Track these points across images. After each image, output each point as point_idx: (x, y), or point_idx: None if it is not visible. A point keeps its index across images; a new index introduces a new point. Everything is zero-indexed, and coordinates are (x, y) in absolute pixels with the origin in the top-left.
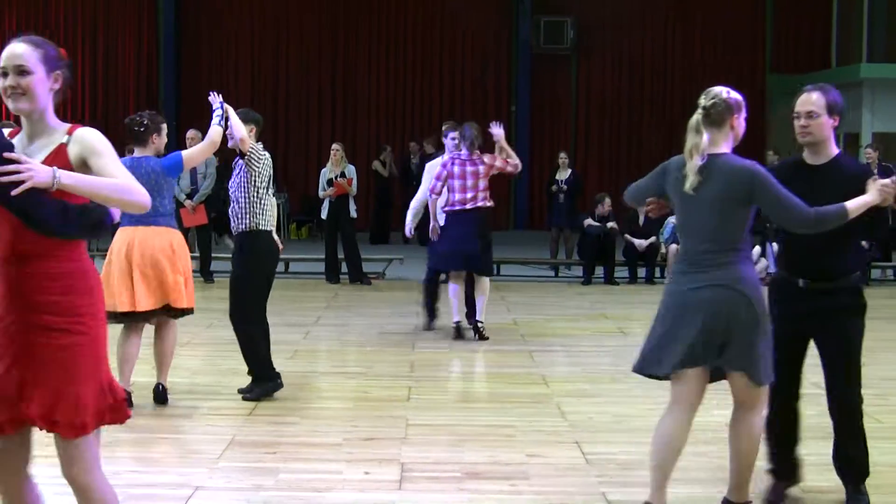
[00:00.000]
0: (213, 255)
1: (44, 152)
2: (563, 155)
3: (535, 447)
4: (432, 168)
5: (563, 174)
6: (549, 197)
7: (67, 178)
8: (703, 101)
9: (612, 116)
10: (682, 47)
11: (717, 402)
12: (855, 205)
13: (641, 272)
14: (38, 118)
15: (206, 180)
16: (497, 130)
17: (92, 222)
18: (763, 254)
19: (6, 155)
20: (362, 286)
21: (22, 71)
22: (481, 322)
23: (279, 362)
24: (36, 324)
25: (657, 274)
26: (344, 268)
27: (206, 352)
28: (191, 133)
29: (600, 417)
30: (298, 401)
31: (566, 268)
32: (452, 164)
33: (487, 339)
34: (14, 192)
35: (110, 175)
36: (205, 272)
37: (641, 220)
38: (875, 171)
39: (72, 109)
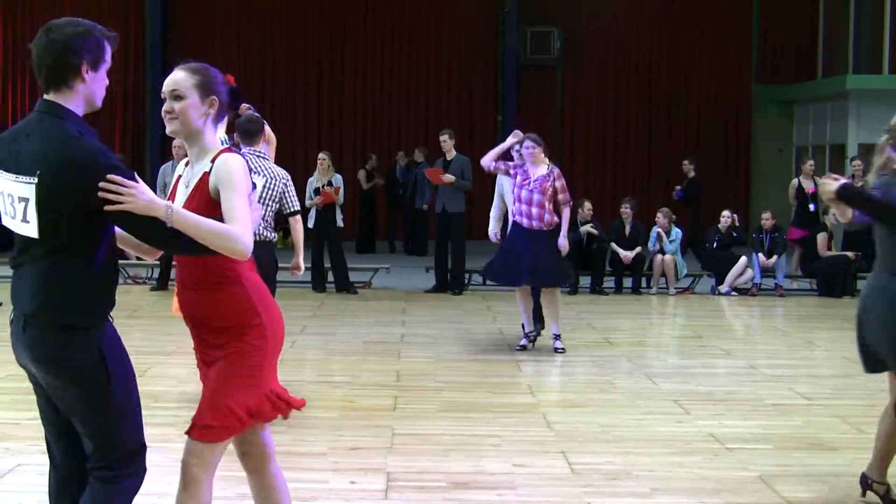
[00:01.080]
0: None
1: (195, 179)
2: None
3: (521, 457)
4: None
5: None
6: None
7: (179, 219)
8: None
9: (599, 126)
10: (669, 58)
11: (702, 414)
12: None
13: (628, 282)
14: (194, 142)
15: None
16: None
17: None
18: (749, 264)
19: (109, 177)
20: (349, 295)
21: (176, 96)
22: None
23: None
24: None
25: (643, 284)
26: (330, 277)
27: (192, 360)
28: (177, 141)
29: (586, 427)
30: None
31: None
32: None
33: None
34: (107, 208)
35: (229, 212)
36: None
37: (628, 229)
38: (862, 182)
39: None
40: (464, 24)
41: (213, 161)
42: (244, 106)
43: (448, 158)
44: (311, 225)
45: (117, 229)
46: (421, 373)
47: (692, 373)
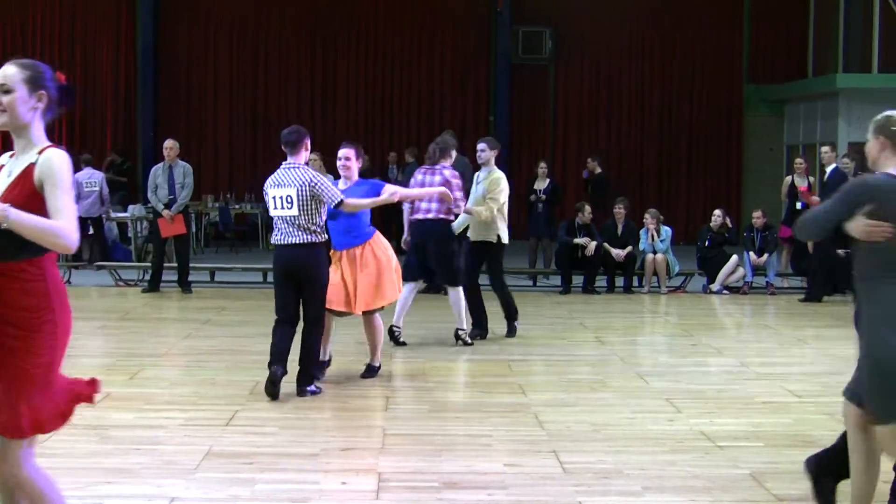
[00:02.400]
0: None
1: (19, 169)
2: (542, 164)
3: (512, 456)
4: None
5: (542, 184)
6: (527, 206)
7: (15, 218)
8: None
9: (591, 126)
10: (661, 58)
11: (693, 412)
12: None
13: (619, 281)
14: (21, 135)
15: (184, 190)
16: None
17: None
18: (740, 263)
19: None
20: None
21: (6, 90)
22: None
23: (258, 372)
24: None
25: (635, 283)
26: None
27: (184, 362)
28: (168, 143)
29: (578, 427)
30: (275, 411)
31: (544, 277)
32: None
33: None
34: None
35: (54, 207)
36: (182, 282)
37: (620, 229)
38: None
39: None
40: (456, 25)
41: (39, 154)
42: None
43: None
44: None
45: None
46: (412, 373)
47: (683, 371)
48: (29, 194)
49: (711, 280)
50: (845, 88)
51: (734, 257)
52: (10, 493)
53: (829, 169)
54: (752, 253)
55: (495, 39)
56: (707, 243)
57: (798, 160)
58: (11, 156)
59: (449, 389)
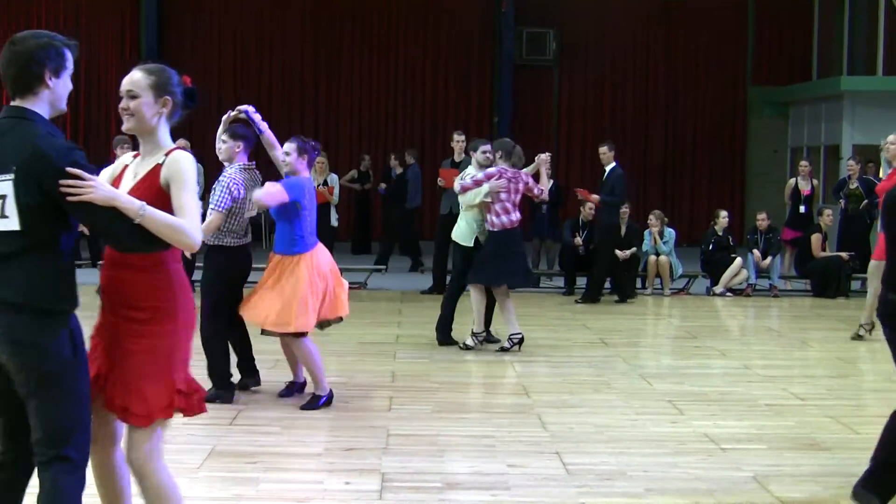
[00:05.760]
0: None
1: (145, 170)
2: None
3: (515, 457)
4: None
5: (546, 185)
6: (531, 207)
7: (151, 215)
8: None
9: (595, 127)
10: (665, 59)
11: (696, 414)
12: None
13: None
14: (147, 139)
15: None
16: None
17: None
18: (744, 265)
19: (68, 170)
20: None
21: (132, 96)
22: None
23: (262, 371)
24: (121, 324)
25: (638, 285)
26: None
27: None
28: (180, 142)
29: (581, 428)
30: (279, 411)
31: (548, 279)
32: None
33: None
34: (68, 199)
35: (179, 206)
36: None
37: (623, 230)
38: (856, 183)
39: (59, 121)
40: (460, 25)
41: (166, 155)
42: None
43: (457, 160)
44: None
45: None
46: (416, 373)
47: (687, 373)
48: (155, 193)
49: (715, 282)
50: (850, 91)
51: (738, 260)
52: (110, 485)
53: None
54: (755, 251)
55: (499, 40)
56: (711, 246)
57: (802, 163)
58: (135, 156)
59: (452, 390)
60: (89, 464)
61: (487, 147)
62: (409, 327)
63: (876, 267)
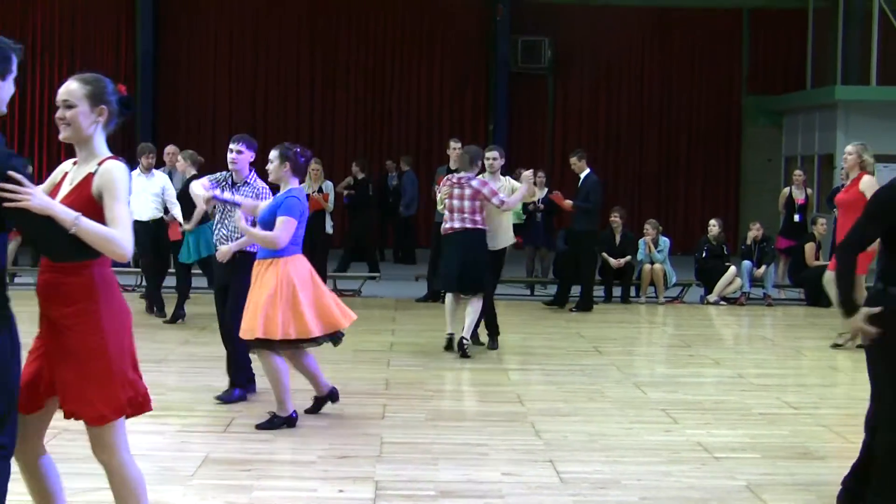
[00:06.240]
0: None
1: (80, 178)
2: (540, 174)
3: (509, 465)
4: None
5: (540, 193)
6: (525, 216)
7: (84, 226)
8: None
9: (589, 136)
10: (660, 67)
11: (690, 423)
12: None
13: (617, 291)
14: (83, 146)
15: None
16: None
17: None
18: (738, 274)
19: (9, 174)
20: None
21: (68, 105)
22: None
23: (256, 379)
24: (56, 325)
25: (632, 293)
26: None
27: (181, 368)
28: (170, 148)
29: (575, 436)
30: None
31: (542, 287)
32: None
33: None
34: (4, 205)
35: (111, 217)
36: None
37: (618, 238)
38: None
39: (49, 124)
40: (455, 33)
41: (99, 164)
42: None
43: (452, 167)
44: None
45: None
46: (410, 381)
47: (680, 382)
48: (86, 202)
49: (709, 291)
50: (844, 100)
51: (732, 268)
52: (32, 472)
53: None
54: (747, 261)
55: (494, 48)
56: (704, 254)
57: (796, 172)
58: (75, 163)
59: (446, 398)
60: (19, 469)
61: (493, 153)
62: (404, 335)
63: (832, 277)
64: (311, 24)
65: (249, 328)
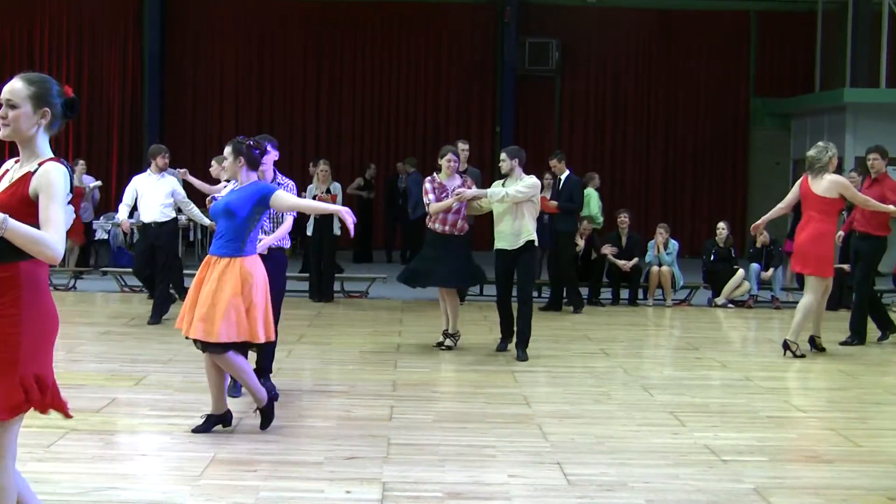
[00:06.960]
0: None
1: (18, 176)
2: (547, 176)
3: (516, 468)
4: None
5: (547, 194)
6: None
7: (13, 228)
8: None
9: (597, 137)
10: (667, 70)
11: (697, 426)
12: None
13: (624, 293)
14: (25, 146)
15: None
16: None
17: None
18: (746, 277)
19: None
20: (346, 305)
21: (11, 105)
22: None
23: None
24: None
25: (640, 296)
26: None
27: (188, 369)
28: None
29: (582, 438)
30: (280, 419)
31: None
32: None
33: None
34: None
35: (45, 218)
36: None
37: (624, 241)
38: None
39: None
40: (462, 35)
41: (39, 165)
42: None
43: (461, 169)
44: (309, 232)
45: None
46: (417, 383)
47: (688, 384)
48: (21, 201)
49: (716, 293)
50: (852, 103)
51: (740, 271)
52: None
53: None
54: (754, 264)
55: (502, 50)
56: (712, 257)
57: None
58: (16, 162)
59: (453, 400)
60: None
61: (502, 155)
62: (411, 336)
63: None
64: (319, 26)
65: (207, 330)
